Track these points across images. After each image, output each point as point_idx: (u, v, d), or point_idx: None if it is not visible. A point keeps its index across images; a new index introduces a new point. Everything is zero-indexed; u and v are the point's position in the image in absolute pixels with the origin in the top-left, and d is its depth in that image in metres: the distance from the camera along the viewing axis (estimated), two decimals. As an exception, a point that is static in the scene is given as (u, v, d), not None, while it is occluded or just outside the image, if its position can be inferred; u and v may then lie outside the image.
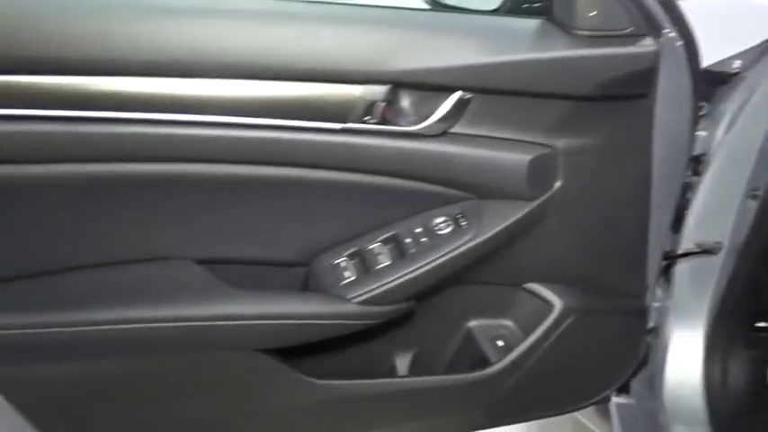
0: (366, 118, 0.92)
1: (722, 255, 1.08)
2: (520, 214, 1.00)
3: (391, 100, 0.92)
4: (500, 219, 1.00)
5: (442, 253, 0.98)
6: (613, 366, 1.18)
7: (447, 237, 0.99)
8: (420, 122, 0.94)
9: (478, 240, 0.99)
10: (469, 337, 1.14)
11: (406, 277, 0.98)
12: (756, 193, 1.06)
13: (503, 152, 0.97)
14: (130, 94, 0.86)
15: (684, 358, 1.14)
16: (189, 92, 0.87)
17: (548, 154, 0.98)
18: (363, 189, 0.98)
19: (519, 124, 0.97)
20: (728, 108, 1.02)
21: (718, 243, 1.07)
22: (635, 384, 1.23)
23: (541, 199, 1.00)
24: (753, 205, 1.06)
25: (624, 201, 1.05)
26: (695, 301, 1.12)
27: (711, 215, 1.06)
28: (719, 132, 1.03)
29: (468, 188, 1.00)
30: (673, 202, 1.06)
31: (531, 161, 0.96)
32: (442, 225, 1.01)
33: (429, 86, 0.92)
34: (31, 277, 0.95)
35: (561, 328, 1.09)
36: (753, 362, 1.19)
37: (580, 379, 1.16)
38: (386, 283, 0.98)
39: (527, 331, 1.10)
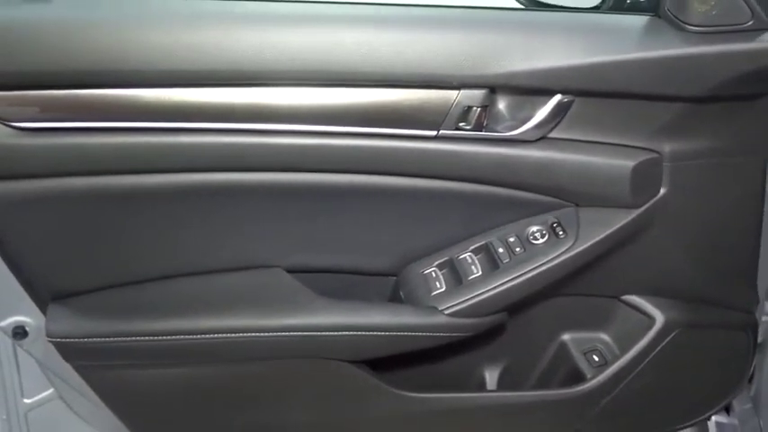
0: (461, 124, 0.88)
1: None
2: (621, 223, 0.94)
3: (487, 105, 0.88)
4: (600, 228, 0.94)
5: (537, 264, 0.94)
6: (717, 385, 1.11)
7: (542, 247, 0.95)
8: (517, 128, 0.89)
9: (576, 251, 0.94)
10: (563, 350, 1.09)
11: (499, 289, 0.94)
12: None
13: (604, 158, 0.91)
14: (228, 104, 0.85)
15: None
16: (282, 101, 0.86)
17: (653, 159, 0.92)
18: (456, 197, 0.95)
19: (622, 128, 0.91)
20: None
21: None
22: (737, 403, 1.15)
23: (645, 207, 0.94)
24: None
25: (735, 208, 0.98)
26: None
27: None
28: None
29: (566, 195, 0.95)
30: None
31: (636, 167, 0.91)
32: (537, 234, 0.96)
33: (527, 90, 0.88)
34: (129, 285, 0.96)
35: (662, 344, 1.03)
36: None
37: (681, 398, 1.10)
38: (477, 295, 0.94)
39: (625, 346, 1.05)
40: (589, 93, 0.88)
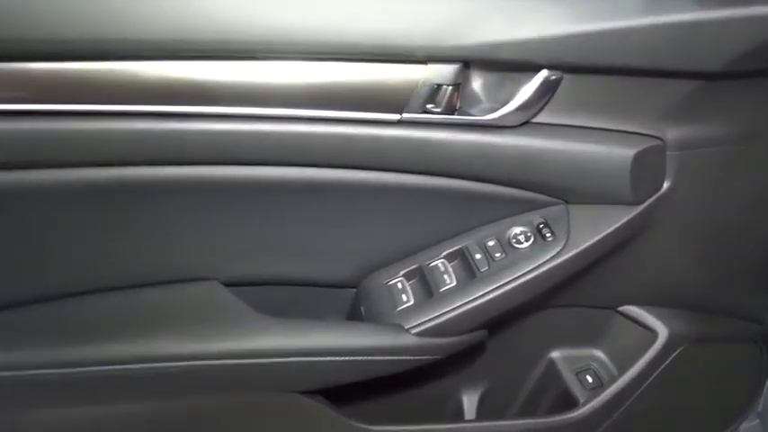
0: (429, 106, 0.73)
1: None
2: (619, 223, 0.80)
3: (460, 83, 0.73)
4: (594, 229, 0.80)
5: (520, 272, 0.79)
6: (727, 406, 0.97)
7: (526, 252, 0.80)
8: (496, 110, 0.75)
9: (566, 256, 0.79)
10: (551, 370, 0.95)
11: (476, 303, 0.79)
12: None
13: (599, 146, 0.77)
14: (135, 82, 0.69)
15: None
16: (209, 77, 0.70)
17: (656, 147, 0.78)
18: (425, 194, 0.80)
19: (621, 111, 0.77)
20: None
21: None
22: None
23: (647, 203, 0.80)
24: None
25: (750, 203, 0.85)
26: None
27: None
28: None
29: (554, 191, 0.81)
30: None
31: (636, 156, 0.77)
32: (520, 237, 0.82)
33: (508, 65, 0.73)
34: (31, 304, 0.80)
35: (667, 362, 0.90)
36: None
37: (687, 423, 0.96)
38: (451, 310, 0.80)
39: (623, 365, 0.92)
40: (582, 68, 0.73)
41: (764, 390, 0.99)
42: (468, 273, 0.82)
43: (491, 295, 0.80)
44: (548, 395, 0.94)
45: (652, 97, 0.76)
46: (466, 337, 0.82)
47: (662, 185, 0.80)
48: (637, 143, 0.77)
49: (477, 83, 0.75)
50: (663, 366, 0.90)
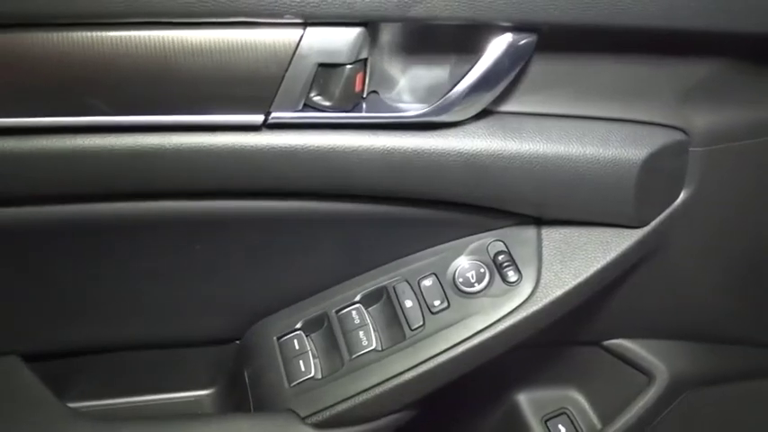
0: (316, 98, 0.44)
1: None
2: (616, 252, 0.55)
3: (367, 57, 0.44)
4: (579, 263, 0.54)
5: (471, 333, 0.54)
6: None
7: (480, 301, 0.54)
8: (430, 100, 0.46)
9: (537, 307, 0.54)
10: (513, 416, 0.72)
11: (406, 377, 0.54)
12: None
13: (591, 144, 0.49)
14: None
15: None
16: None
17: (677, 144, 0.51)
18: (323, 218, 0.52)
19: (625, 92, 0.49)
20: None
21: None
22: None
23: (657, 221, 0.54)
24: None
25: None
26: None
27: None
28: None
29: (520, 205, 0.53)
30: None
31: (649, 159, 0.49)
32: (470, 276, 0.55)
33: (444, 26, 0.43)
34: None
35: (666, 411, 0.67)
36: None
37: None
38: (369, 389, 0.54)
39: (607, 411, 0.69)
40: (568, 28, 0.44)
41: None
42: (395, 329, 0.56)
43: (427, 366, 0.54)
44: (506, 450, 0.72)
45: (673, 72, 0.48)
46: (389, 420, 0.57)
47: (678, 195, 0.53)
48: (649, 139, 0.50)
49: (392, 57, 0.46)
50: (660, 417, 0.67)
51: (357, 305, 0.58)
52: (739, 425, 0.72)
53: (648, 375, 0.67)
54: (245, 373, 0.60)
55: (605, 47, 0.46)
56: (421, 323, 0.55)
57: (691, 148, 0.52)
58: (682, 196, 0.54)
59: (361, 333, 0.56)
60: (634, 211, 0.53)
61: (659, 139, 0.50)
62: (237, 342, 0.61)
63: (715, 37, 0.45)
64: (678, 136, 0.51)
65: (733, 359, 0.69)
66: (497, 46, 0.44)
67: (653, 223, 0.54)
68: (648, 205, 0.53)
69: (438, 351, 0.54)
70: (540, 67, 0.47)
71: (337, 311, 0.58)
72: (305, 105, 0.44)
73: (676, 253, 0.58)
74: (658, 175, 0.52)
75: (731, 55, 0.48)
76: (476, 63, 0.45)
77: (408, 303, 0.56)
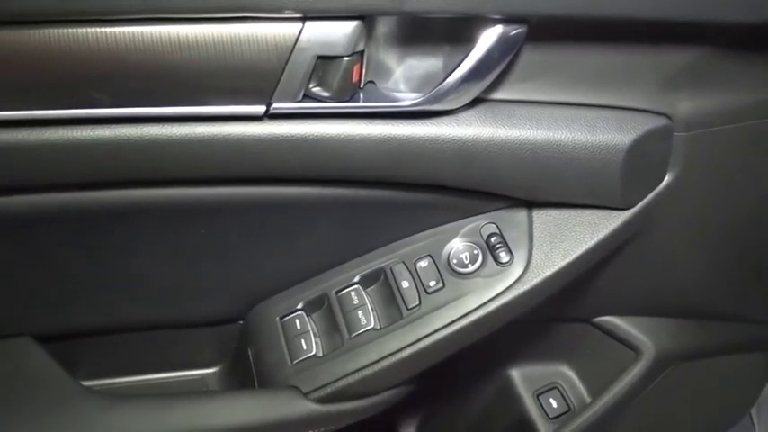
0: (315, 89, 0.46)
1: None
2: (604, 233, 0.57)
3: (363, 50, 0.45)
4: (568, 244, 0.56)
5: (465, 311, 0.57)
6: (721, 419, 0.79)
7: (473, 281, 0.57)
8: (424, 89, 0.48)
9: (528, 286, 0.56)
10: (507, 391, 0.75)
11: (403, 354, 0.57)
12: None
13: (578, 130, 0.51)
14: None
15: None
16: None
17: (662, 129, 0.53)
18: (328, 203, 0.54)
19: (612, 79, 0.51)
20: None
21: None
22: None
23: (643, 203, 0.56)
24: None
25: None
26: None
27: None
28: None
29: (512, 189, 0.56)
30: None
31: (635, 144, 0.51)
32: (463, 257, 0.57)
33: (440, 18, 0.45)
34: None
35: (651, 384, 0.70)
36: None
37: None
38: (368, 366, 0.57)
39: (597, 386, 0.72)
40: (556, 19, 0.45)
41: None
42: (392, 308, 0.58)
43: (423, 343, 0.56)
44: (499, 423, 0.75)
45: (657, 60, 0.50)
46: (387, 395, 0.60)
47: (663, 178, 0.56)
48: (634, 124, 0.52)
49: (388, 47, 0.47)
50: (647, 390, 0.70)
51: (356, 286, 0.60)
52: (719, 396, 0.75)
53: (636, 351, 0.69)
54: (249, 352, 0.62)
55: (592, 36, 0.48)
56: (417, 303, 0.57)
57: (675, 133, 0.54)
58: (666, 179, 0.56)
59: (359, 313, 0.59)
60: (620, 194, 0.55)
61: (644, 124, 0.52)
62: (241, 322, 0.64)
63: (697, 26, 0.47)
64: (662, 121, 0.53)
65: (715, 334, 0.72)
66: (489, 37, 0.46)
67: (639, 205, 0.56)
68: (634, 188, 0.55)
69: (433, 329, 0.56)
70: (529, 57, 0.48)
71: (337, 292, 0.60)
72: (304, 96, 0.46)
73: (662, 233, 0.60)
74: (644, 159, 0.54)
75: (713, 43, 0.50)
76: (468, 54, 0.46)
77: (405, 284, 0.58)
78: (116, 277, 0.58)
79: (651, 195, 0.56)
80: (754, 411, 0.83)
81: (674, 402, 0.73)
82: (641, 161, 0.53)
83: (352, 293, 0.60)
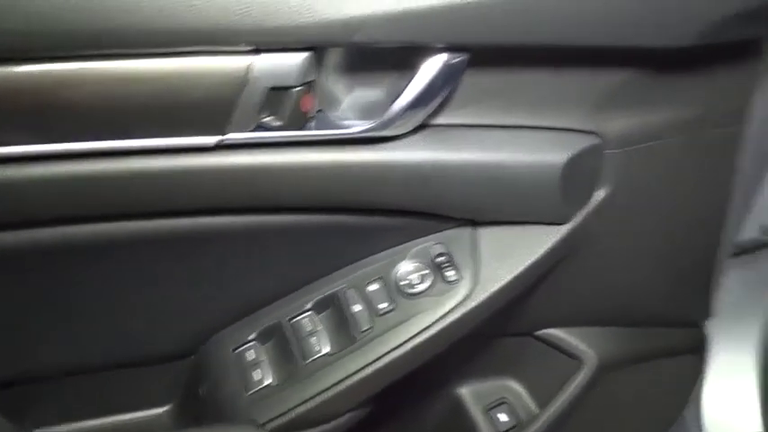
0: (265, 119, 0.47)
1: None
2: (545, 247, 0.59)
3: (313, 79, 0.47)
4: (512, 260, 0.59)
5: (416, 331, 0.58)
6: (661, 419, 0.83)
7: (423, 301, 0.58)
8: (372, 116, 0.49)
9: (476, 303, 0.58)
10: (457, 408, 0.76)
11: (357, 377, 0.57)
12: None
13: (517, 150, 0.54)
14: None
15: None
16: None
17: (593, 147, 0.56)
18: (275, 230, 0.55)
19: (547, 102, 0.54)
20: None
21: None
22: None
23: (578, 217, 0.59)
24: None
25: (696, 199, 0.66)
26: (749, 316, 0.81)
27: None
28: None
29: (457, 210, 0.58)
30: (753, 202, 0.68)
31: (569, 162, 0.55)
32: (413, 278, 0.59)
33: (385, 49, 0.47)
34: None
35: (593, 390, 0.72)
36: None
37: None
38: (324, 391, 0.57)
39: (543, 397, 0.74)
40: (495, 48, 0.48)
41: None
42: (345, 333, 0.59)
43: (377, 365, 0.57)
44: (453, 439, 0.76)
45: (587, 83, 0.54)
46: (344, 420, 0.60)
47: (591, 194, 0.59)
48: (569, 143, 0.55)
49: (337, 76, 0.49)
50: (590, 398, 0.73)
51: (309, 312, 0.60)
52: (657, 398, 0.79)
53: (578, 360, 0.72)
54: (202, 387, 0.61)
55: (528, 63, 0.51)
56: (369, 326, 0.58)
57: (605, 151, 0.58)
58: (598, 194, 0.60)
59: (313, 339, 0.59)
60: (558, 210, 0.58)
61: (577, 143, 0.56)
62: (193, 357, 0.63)
63: (622, 51, 0.51)
64: (594, 140, 0.57)
65: (651, 339, 0.76)
66: (432, 65, 0.48)
67: (575, 219, 0.59)
68: (570, 203, 0.58)
69: (386, 350, 0.57)
70: (471, 83, 0.51)
71: (290, 320, 0.60)
72: (257, 126, 0.47)
73: (598, 246, 0.64)
74: (578, 175, 0.57)
75: (637, 66, 0.54)
76: (412, 81, 0.49)
77: (357, 308, 0.59)
78: (59, 318, 0.56)
79: (585, 210, 0.60)
80: (687, 411, 0.87)
81: (616, 407, 0.76)
82: (575, 178, 0.57)
83: (306, 320, 0.60)
